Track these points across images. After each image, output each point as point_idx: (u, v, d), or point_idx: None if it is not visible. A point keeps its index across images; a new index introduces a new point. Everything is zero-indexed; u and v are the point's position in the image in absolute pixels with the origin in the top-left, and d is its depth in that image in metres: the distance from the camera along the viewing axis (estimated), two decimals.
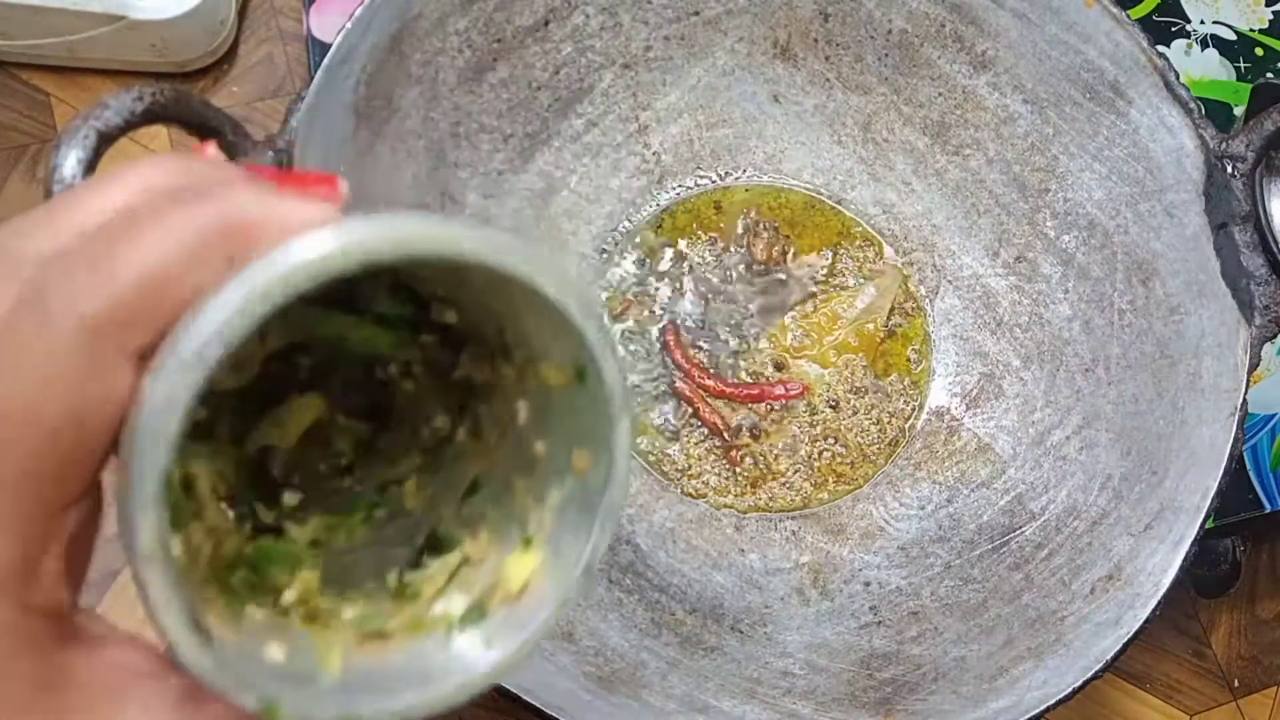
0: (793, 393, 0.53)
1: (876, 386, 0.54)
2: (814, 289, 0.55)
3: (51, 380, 0.16)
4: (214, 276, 0.17)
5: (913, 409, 0.54)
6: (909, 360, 0.55)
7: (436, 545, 0.21)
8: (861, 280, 0.55)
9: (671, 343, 0.53)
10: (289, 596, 0.19)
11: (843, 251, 0.56)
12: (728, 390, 0.52)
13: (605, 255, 0.54)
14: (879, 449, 0.53)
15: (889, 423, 0.54)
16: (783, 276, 0.55)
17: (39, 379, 0.16)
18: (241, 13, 0.64)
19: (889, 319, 0.55)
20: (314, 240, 0.16)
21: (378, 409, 0.22)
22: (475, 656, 0.19)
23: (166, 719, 0.17)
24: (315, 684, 0.18)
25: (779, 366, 0.54)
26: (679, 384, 0.52)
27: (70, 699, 0.17)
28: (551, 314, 0.17)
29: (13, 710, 0.16)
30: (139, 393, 0.16)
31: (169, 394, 0.15)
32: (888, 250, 0.56)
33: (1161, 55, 0.45)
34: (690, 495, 0.52)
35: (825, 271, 0.56)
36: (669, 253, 0.55)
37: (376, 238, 0.16)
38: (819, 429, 0.53)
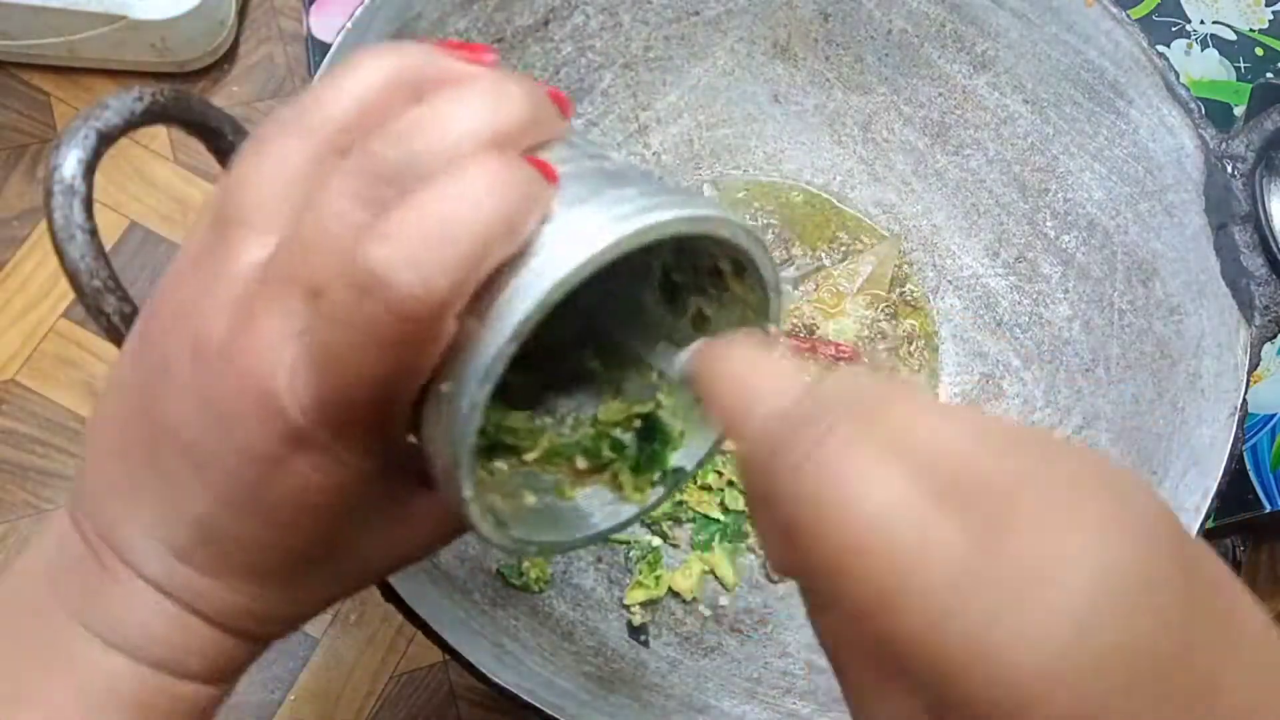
0: (844, 353, 0.52)
1: None
2: (815, 266, 0.55)
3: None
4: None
5: None
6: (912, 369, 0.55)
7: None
8: (860, 250, 0.55)
9: None
10: (529, 457, 0.27)
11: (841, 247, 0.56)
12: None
13: None
14: None
15: None
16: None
17: None
18: (241, 13, 0.64)
19: (890, 289, 0.55)
20: (602, 231, 0.20)
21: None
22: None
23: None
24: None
25: None
26: None
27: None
28: (740, 251, 0.23)
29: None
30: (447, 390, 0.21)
31: (470, 403, 0.20)
32: (883, 234, 0.56)
33: (1161, 55, 0.45)
34: None
35: (824, 254, 0.56)
36: None
37: (656, 226, 0.20)
38: None
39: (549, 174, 0.21)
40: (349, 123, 0.21)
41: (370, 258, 0.19)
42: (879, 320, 0.55)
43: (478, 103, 0.20)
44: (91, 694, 0.23)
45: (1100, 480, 0.17)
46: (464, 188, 0.19)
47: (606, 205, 0.20)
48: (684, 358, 0.24)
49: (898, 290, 0.56)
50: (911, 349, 0.55)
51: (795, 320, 0.55)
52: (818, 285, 0.55)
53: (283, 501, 0.22)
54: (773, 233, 0.56)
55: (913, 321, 0.55)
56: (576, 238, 0.20)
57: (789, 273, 0.56)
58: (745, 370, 0.21)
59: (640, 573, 0.49)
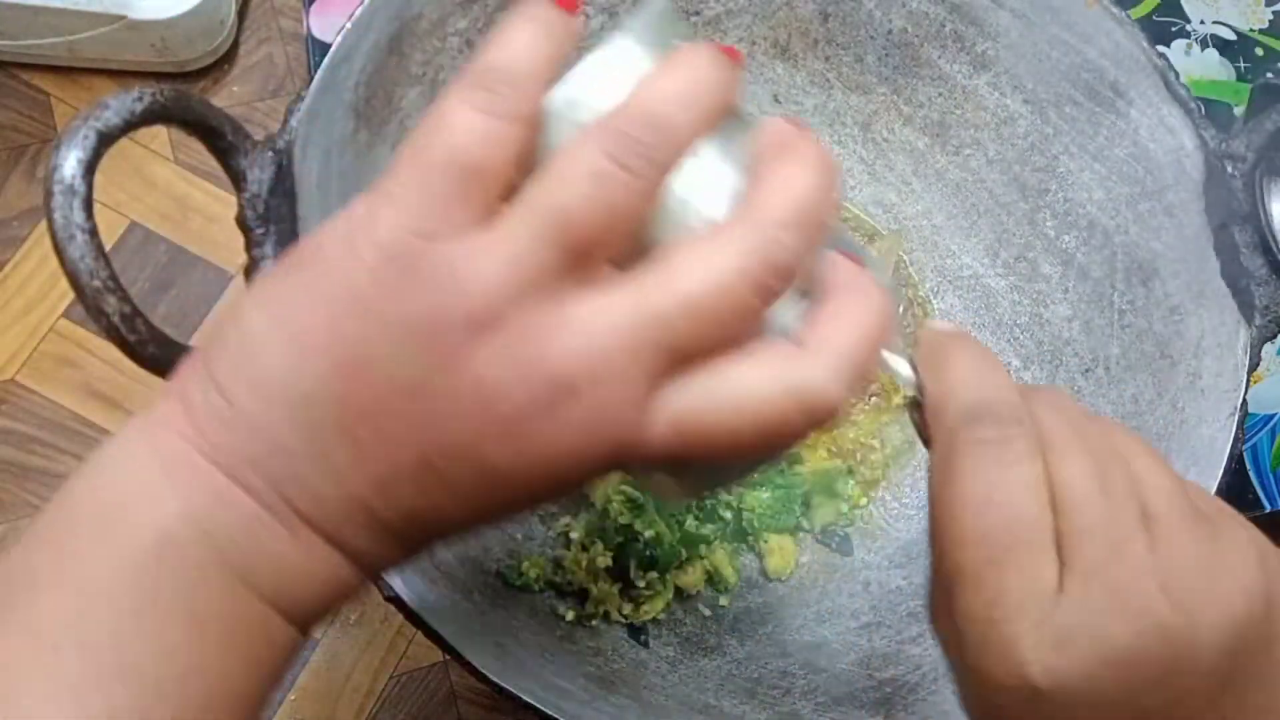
0: None
1: (878, 388, 0.54)
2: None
3: None
4: None
5: None
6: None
7: None
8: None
9: None
10: None
11: None
12: None
13: None
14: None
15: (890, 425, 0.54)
16: None
17: None
18: (241, 13, 0.64)
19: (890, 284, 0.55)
20: None
21: None
22: None
23: None
24: None
25: None
26: None
27: None
28: None
29: None
30: None
31: None
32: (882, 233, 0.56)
33: (1161, 55, 0.45)
34: None
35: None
36: None
37: None
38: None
39: None
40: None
41: (811, 380, 0.22)
42: None
43: (822, 187, 0.23)
44: (234, 641, 0.22)
45: None
46: (868, 308, 0.23)
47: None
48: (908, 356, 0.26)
49: (897, 287, 0.56)
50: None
51: None
52: None
53: (545, 503, 0.24)
54: None
55: (911, 323, 0.55)
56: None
57: None
58: (969, 363, 0.25)
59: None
